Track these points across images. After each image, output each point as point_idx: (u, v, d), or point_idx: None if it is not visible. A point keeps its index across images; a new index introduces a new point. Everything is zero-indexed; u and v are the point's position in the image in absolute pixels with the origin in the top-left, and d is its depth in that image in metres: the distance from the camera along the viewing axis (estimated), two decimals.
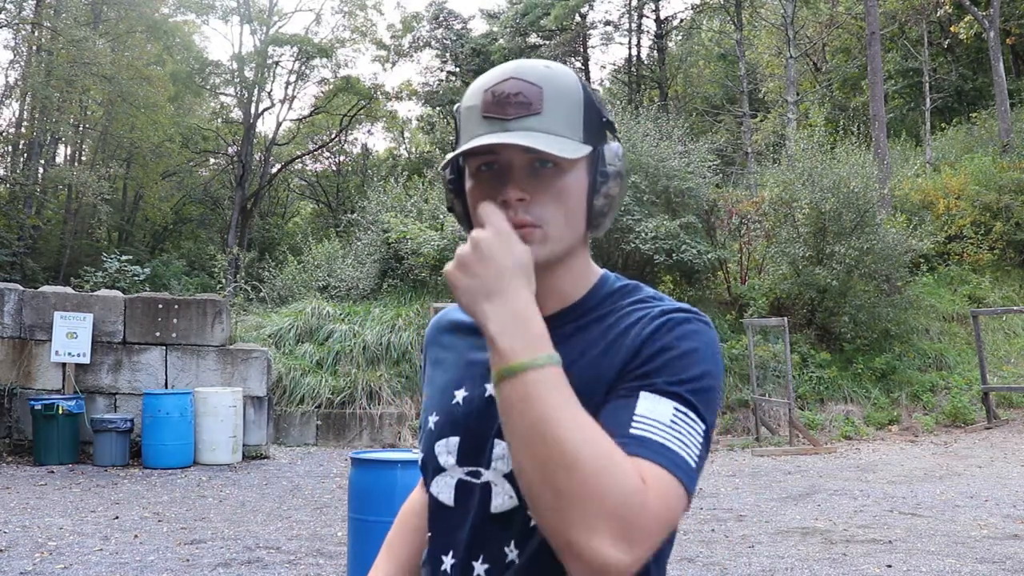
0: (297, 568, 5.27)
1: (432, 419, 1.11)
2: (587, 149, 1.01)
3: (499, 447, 1.01)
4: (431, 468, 1.09)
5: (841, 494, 7.83)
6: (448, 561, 1.04)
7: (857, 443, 11.32)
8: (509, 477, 0.99)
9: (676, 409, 0.91)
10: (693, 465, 0.90)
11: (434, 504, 1.08)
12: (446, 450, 1.07)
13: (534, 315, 0.89)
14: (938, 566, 5.29)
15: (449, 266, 0.92)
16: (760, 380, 12.28)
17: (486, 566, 1.00)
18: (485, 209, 0.94)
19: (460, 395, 1.08)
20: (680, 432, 0.90)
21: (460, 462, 1.05)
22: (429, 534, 1.09)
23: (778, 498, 7.70)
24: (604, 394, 0.96)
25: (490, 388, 1.04)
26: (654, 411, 0.90)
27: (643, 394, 0.92)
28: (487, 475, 1.02)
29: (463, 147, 0.99)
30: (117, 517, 6.65)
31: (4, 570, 5.08)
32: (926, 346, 13.86)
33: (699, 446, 0.92)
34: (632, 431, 0.89)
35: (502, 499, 1.00)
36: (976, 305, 14.48)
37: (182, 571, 5.17)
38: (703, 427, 0.93)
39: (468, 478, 1.04)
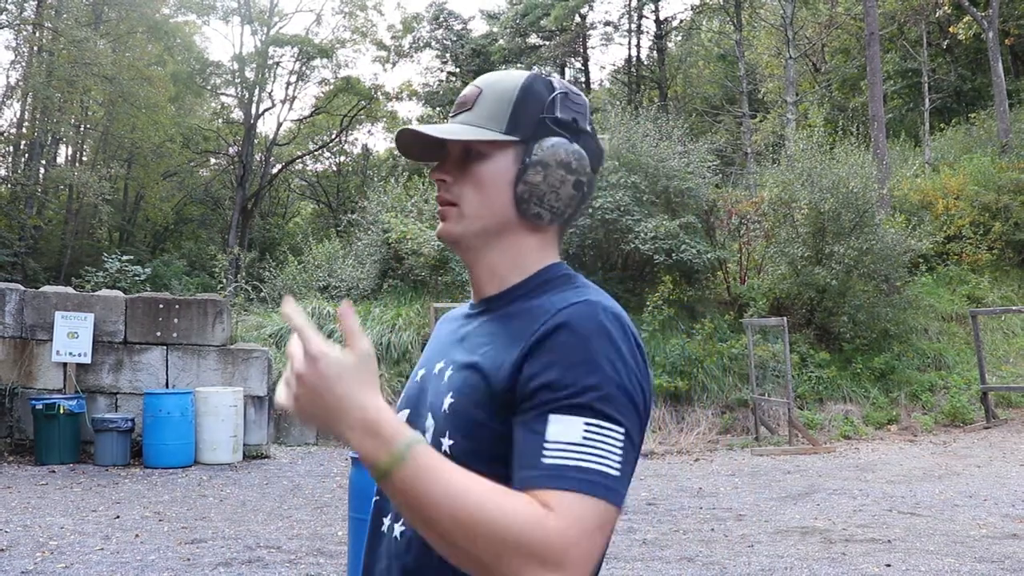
0: (297, 567, 5.29)
1: (400, 398, 1.22)
2: (494, 136, 1.10)
3: (428, 419, 1.09)
4: None
5: (840, 493, 7.85)
6: (387, 522, 1.13)
7: (856, 443, 11.34)
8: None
9: (587, 424, 0.93)
10: (615, 474, 0.92)
11: None
12: None
13: (379, 416, 0.89)
14: (937, 565, 5.31)
15: (287, 404, 0.92)
16: (759, 380, 12.30)
17: (403, 528, 1.08)
18: (290, 345, 0.93)
19: (420, 374, 1.19)
20: (594, 446, 0.92)
21: None
22: (376, 498, 1.18)
23: (777, 497, 7.72)
24: (507, 380, 1.00)
25: (438, 366, 1.13)
26: (565, 433, 0.92)
27: (551, 417, 0.94)
28: None
29: (404, 128, 1.15)
30: (118, 516, 6.67)
31: (5, 569, 5.10)
32: (925, 346, 13.88)
33: (619, 452, 0.93)
34: (544, 460, 0.91)
35: None
36: (975, 305, 14.49)
37: (183, 570, 5.19)
38: (622, 431, 0.94)
39: None
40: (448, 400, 1.06)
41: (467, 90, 1.16)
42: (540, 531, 0.86)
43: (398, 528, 1.09)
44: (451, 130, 1.11)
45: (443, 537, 0.88)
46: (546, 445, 0.92)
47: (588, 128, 1.14)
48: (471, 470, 0.91)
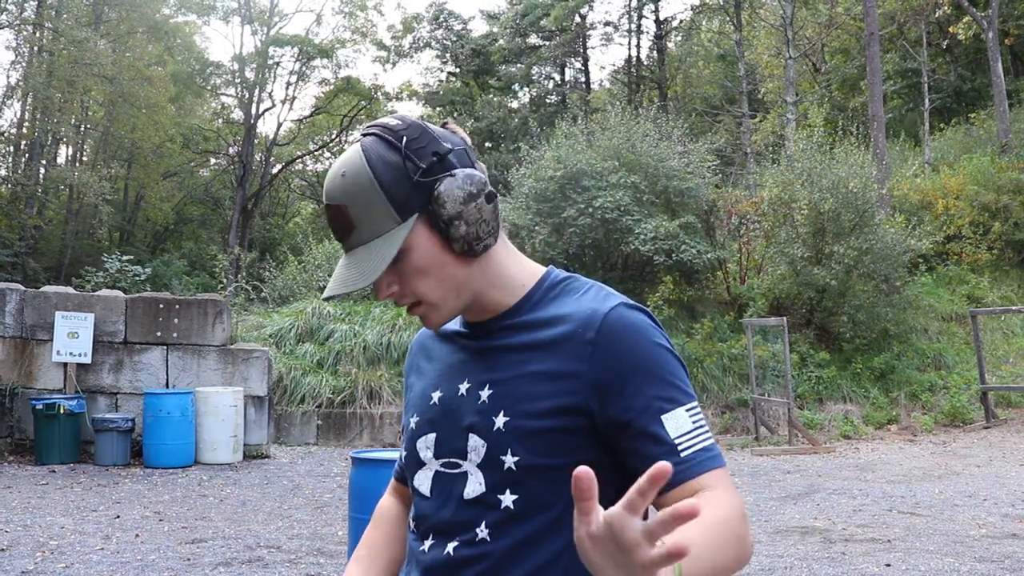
0: (298, 567, 5.30)
1: (413, 420, 1.22)
2: (400, 232, 1.07)
3: (472, 440, 1.11)
4: (413, 463, 1.20)
5: (840, 493, 7.85)
6: (427, 543, 1.15)
7: (856, 442, 11.35)
8: (481, 467, 1.10)
9: (687, 409, 1.06)
10: (714, 441, 1.07)
11: (416, 495, 1.19)
12: (425, 446, 1.18)
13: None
14: (937, 565, 5.31)
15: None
16: (759, 380, 12.31)
17: (455, 543, 1.11)
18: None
19: (436, 396, 1.19)
20: (699, 424, 1.06)
21: (436, 455, 1.16)
22: (413, 523, 1.20)
23: (777, 497, 7.73)
24: (581, 392, 1.07)
25: (463, 387, 1.15)
26: (681, 426, 1.05)
27: (663, 419, 1.04)
28: (465, 466, 1.12)
29: (324, 295, 1.16)
30: (118, 516, 6.68)
31: (6, 569, 5.11)
32: (925, 346, 13.88)
33: (704, 421, 1.08)
34: (682, 453, 1.03)
35: (474, 486, 1.11)
36: (975, 305, 14.49)
37: (183, 570, 5.20)
38: (696, 402, 1.08)
39: (444, 469, 1.15)
40: (501, 418, 1.09)
41: (332, 214, 1.10)
42: (737, 506, 1.02)
43: (451, 546, 1.11)
44: (367, 269, 1.08)
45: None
46: (676, 441, 1.04)
47: (444, 144, 1.09)
48: (537, 474, 1.06)
